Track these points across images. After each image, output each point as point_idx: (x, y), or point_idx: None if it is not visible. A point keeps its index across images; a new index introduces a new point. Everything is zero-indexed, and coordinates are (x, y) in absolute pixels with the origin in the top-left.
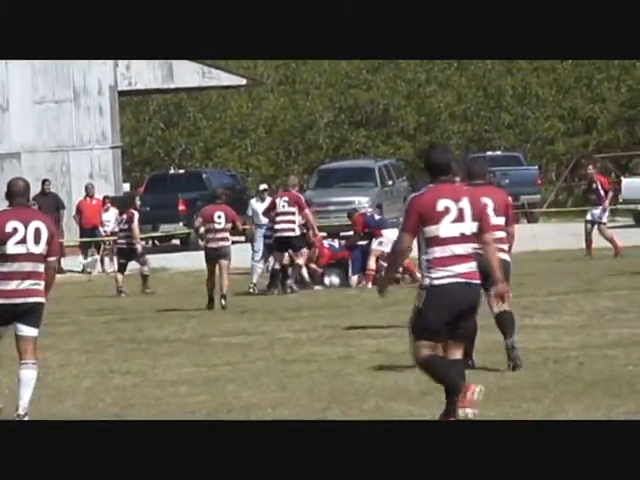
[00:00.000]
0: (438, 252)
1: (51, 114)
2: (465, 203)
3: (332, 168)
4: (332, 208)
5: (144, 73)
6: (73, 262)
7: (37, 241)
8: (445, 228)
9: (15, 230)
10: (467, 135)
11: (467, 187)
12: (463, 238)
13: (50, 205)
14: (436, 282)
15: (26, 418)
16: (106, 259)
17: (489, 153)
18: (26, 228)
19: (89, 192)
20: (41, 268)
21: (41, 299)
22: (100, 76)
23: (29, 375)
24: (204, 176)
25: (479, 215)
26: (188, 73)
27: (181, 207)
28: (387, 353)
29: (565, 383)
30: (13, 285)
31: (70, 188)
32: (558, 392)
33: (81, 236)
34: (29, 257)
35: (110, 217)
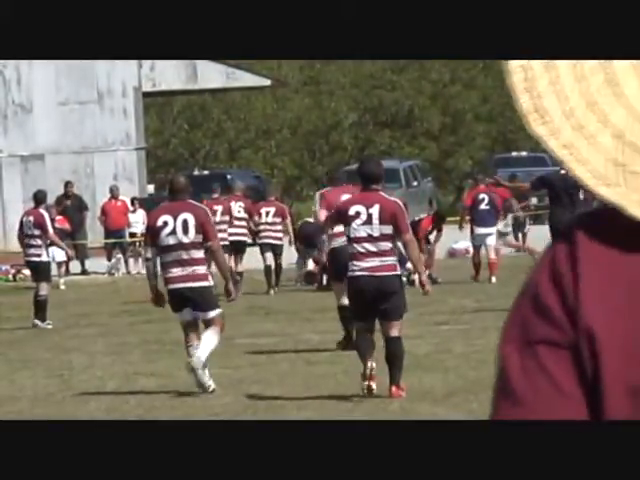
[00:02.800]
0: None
1: (75, 115)
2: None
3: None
4: None
5: (168, 74)
6: (98, 264)
7: (185, 231)
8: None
9: (165, 223)
10: (492, 136)
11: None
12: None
13: (73, 207)
14: (349, 274)
15: (198, 371)
16: (131, 260)
17: (514, 154)
18: (175, 220)
19: (114, 194)
20: (198, 254)
21: (205, 283)
22: (124, 77)
23: (207, 335)
24: (229, 177)
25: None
26: (212, 74)
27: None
28: (412, 354)
29: None
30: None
31: (94, 190)
32: None
33: (106, 238)
34: (181, 246)
35: (138, 219)
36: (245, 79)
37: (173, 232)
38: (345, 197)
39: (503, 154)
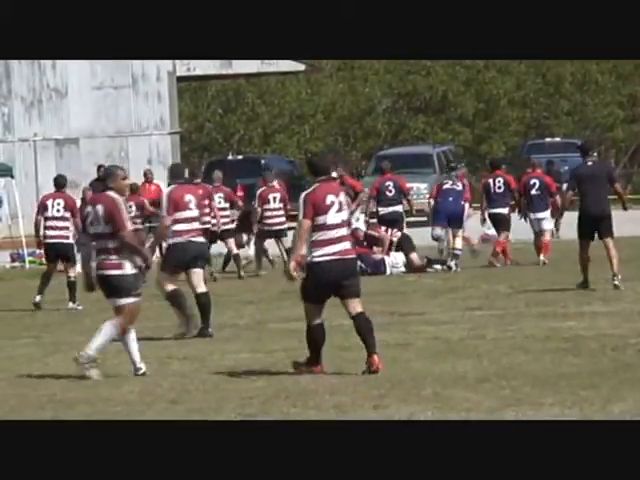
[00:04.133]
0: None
1: (110, 100)
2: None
3: (390, 154)
4: None
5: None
6: None
7: (98, 221)
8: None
9: (88, 214)
10: (526, 122)
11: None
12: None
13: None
14: (315, 260)
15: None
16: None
17: (548, 140)
18: (94, 210)
19: (148, 178)
20: (109, 244)
21: (115, 272)
22: (159, 62)
23: (104, 327)
24: (263, 162)
25: None
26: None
27: (239, 193)
28: (445, 340)
29: (623, 370)
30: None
31: (128, 174)
32: (617, 380)
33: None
34: (97, 236)
35: None
36: (279, 64)
37: (91, 223)
38: (187, 197)
39: (537, 140)
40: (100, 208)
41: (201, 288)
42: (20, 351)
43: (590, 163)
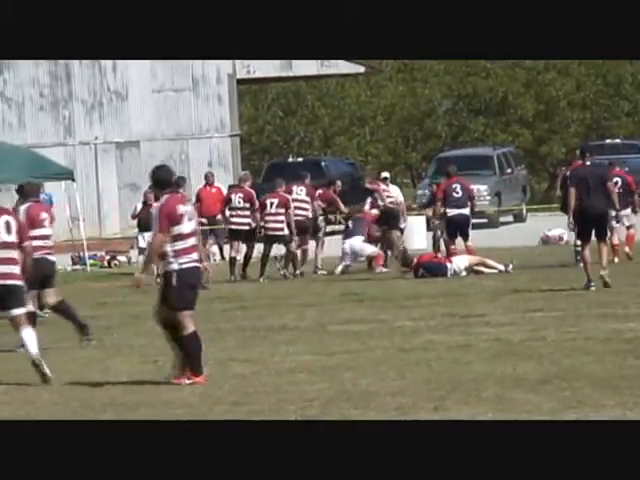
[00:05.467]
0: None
1: (170, 103)
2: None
3: (451, 156)
4: None
5: (262, 61)
6: None
7: (8, 231)
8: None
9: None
10: (586, 123)
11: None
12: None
13: None
14: (184, 266)
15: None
16: (226, 247)
17: (608, 141)
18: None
19: (209, 180)
20: (14, 254)
21: (19, 282)
22: (219, 64)
23: (26, 334)
24: (323, 164)
25: None
26: (306, 61)
27: None
28: (506, 341)
29: None
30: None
31: (189, 176)
32: None
33: (201, 224)
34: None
35: None
36: (339, 66)
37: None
38: (43, 215)
39: (597, 141)
40: (11, 219)
41: (54, 300)
42: (81, 353)
43: (588, 163)
